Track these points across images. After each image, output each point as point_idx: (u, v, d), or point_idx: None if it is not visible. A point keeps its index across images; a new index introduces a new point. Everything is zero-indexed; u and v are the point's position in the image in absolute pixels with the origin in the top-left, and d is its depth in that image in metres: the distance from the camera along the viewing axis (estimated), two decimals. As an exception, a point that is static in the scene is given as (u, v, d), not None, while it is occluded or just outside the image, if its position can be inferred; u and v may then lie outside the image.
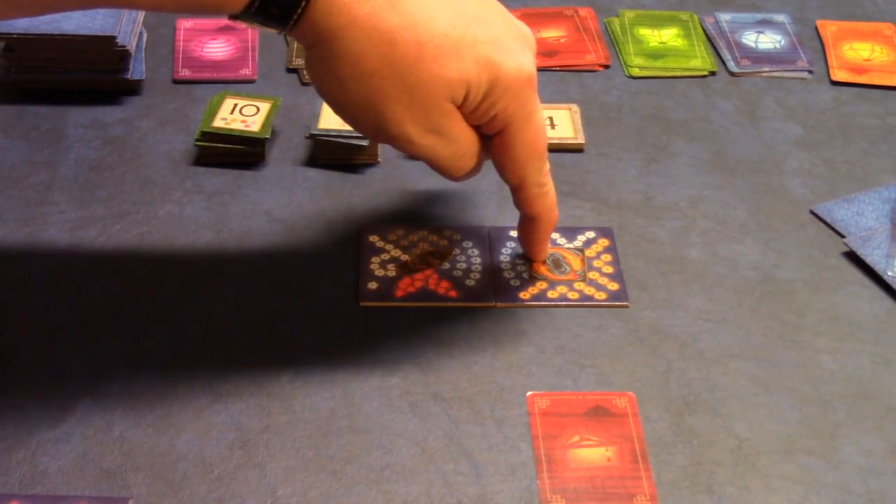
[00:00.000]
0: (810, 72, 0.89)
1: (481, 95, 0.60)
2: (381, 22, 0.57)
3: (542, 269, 0.70)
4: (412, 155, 0.63)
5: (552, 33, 0.92)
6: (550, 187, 0.66)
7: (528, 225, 0.68)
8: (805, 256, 0.72)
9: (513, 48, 0.61)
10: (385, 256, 0.70)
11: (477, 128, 0.63)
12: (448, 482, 0.58)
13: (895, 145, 0.82)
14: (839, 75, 0.88)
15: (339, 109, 0.62)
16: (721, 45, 0.91)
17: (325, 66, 0.59)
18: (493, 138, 0.63)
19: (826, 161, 0.80)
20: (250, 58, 0.87)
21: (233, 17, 0.58)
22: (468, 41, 0.59)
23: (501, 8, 0.63)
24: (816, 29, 0.93)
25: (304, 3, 0.56)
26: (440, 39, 0.58)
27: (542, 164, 0.64)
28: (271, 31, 0.59)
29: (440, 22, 0.58)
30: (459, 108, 0.61)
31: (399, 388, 0.63)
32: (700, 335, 0.66)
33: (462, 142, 0.62)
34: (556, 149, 0.80)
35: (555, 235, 0.72)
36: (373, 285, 0.68)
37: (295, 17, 0.57)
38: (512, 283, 0.69)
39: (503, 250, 0.71)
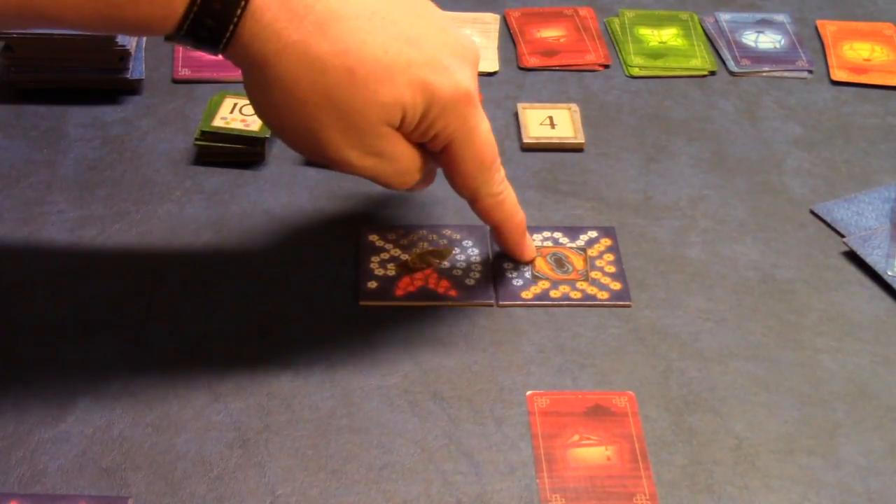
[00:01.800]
0: (810, 72, 0.89)
1: (418, 117, 0.60)
2: (311, 49, 0.57)
3: (545, 269, 0.70)
4: (356, 175, 0.63)
5: (552, 33, 0.92)
6: (506, 194, 0.66)
7: (496, 233, 0.69)
8: (805, 256, 0.72)
9: (449, 66, 0.60)
10: (385, 256, 0.70)
11: (421, 144, 0.63)
12: (448, 481, 0.58)
13: (895, 145, 0.82)
14: (839, 75, 0.88)
15: (278, 133, 0.62)
16: (721, 44, 0.91)
17: (260, 91, 0.59)
18: (440, 154, 0.63)
19: (826, 161, 0.80)
20: (250, 57, 0.87)
21: (166, 38, 0.57)
22: (401, 64, 0.58)
23: (440, 22, 0.62)
24: (816, 29, 0.93)
25: (232, 27, 0.56)
26: (372, 64, 0.58)
27: (492, 175, 0.64)
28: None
29: (372, 46, 0.58)
30: (399, 128, 0.61)
31: (399, 387, 0.63)
32: (700, 335, 0.66)
33: (403, 160, 0.62)
34: (556, 148, 0.80)
35: (557, 235, 0.72)
36: (372, 285, 0.68)
37: (224, 41, 0.56)
38: (514, 282, 0.69)
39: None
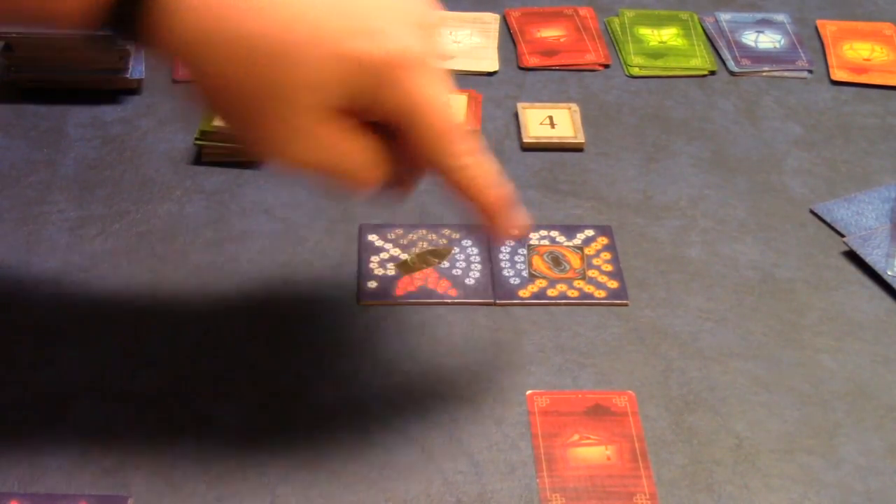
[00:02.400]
0: (810, 71, 0.89)
1: (356, 96, 0.53)
2: (238, 27, 0.51)
3: (542, 267, 0.70)
4: (312, 176, 0.56)
5: (552, 33, 0.92)
6: (475, 168, 0.57)
7: (481, 212, 0.58)
8: (805, 256, 0.72)
9: (384, 30, 0.53)
10: (384, 255, 0.70)
11: (384, 134, 0.56)
12: (448, 481, 0.58)
13: (895, 145, 0.82)
14: (839, 75, 0.88)
15: (231, 128, 0.56)
16: (721, 44, 0.91)
17: (201, 86, 0.54)
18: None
19: (826, 161, 0.80)
20: (250, 57, 0.87)
21: (82, 31, 0.53)
22: (331, 39, 0.52)
23: None
24: (816, 29, 0.94)
25: (147, 12, 0.51)
26: (297, 42, 0.52)
27: (451, 146, 0.56)
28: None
29: (302, 23, 0.52)
30: (348, 115, 0.54)
31: (399, 387, 0.63)
32: (700, 334, 0.66)
33: (356, 156, 0.55)
34: (556, 148, 0.80)
35: (554, 234, 0.72)
36: (372, 284, 0.68)
37: (142, 28, 0.51)
38: (511, 281, 0.69)
39: (502, 249, 0.71)
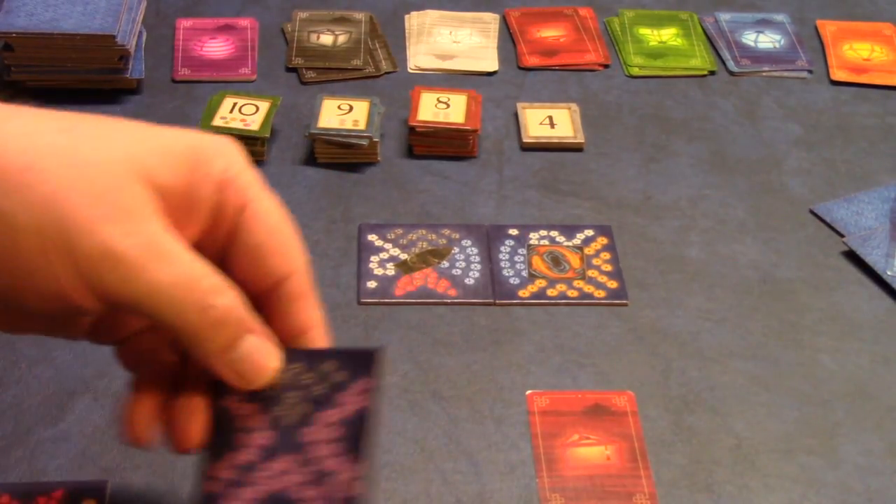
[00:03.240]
0: (810, 71, 0.89)
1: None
2: None
3: (542, 267, 0.70)
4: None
5: (552, 33, 0.92)
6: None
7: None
8: (805, 256, 0.72)
9: None
10: (384, 255, 0.70)
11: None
12: (447, 481, 0.58)
13: (895, 145, 0.82)
14: (839, 75, 0.88)
15: None
16: (721, 44, 0.91)
17: None
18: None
19: (826, 161, 0.80)
20: (250, 57, 0.87)
21: None
22: None
23: None
24: (816, 29, 0.93)
25: None
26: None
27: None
28: None
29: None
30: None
31: (398, 386, 0.62)
32: (699, 334, 0.66)
33: None
34: (555, 148, 0.80)
35: (554, 233, 0.72)
36: (372, 284, 0.68)
37: None
38: (511, 281, 0.69)
39: (502, 248, 0.71)
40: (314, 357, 0.47)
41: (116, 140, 0.43)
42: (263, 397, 0.46)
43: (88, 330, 0.48)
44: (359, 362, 0.46)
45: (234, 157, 0.46)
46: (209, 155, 0.45)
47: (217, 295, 0.43)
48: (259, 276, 0.46)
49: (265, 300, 0.47)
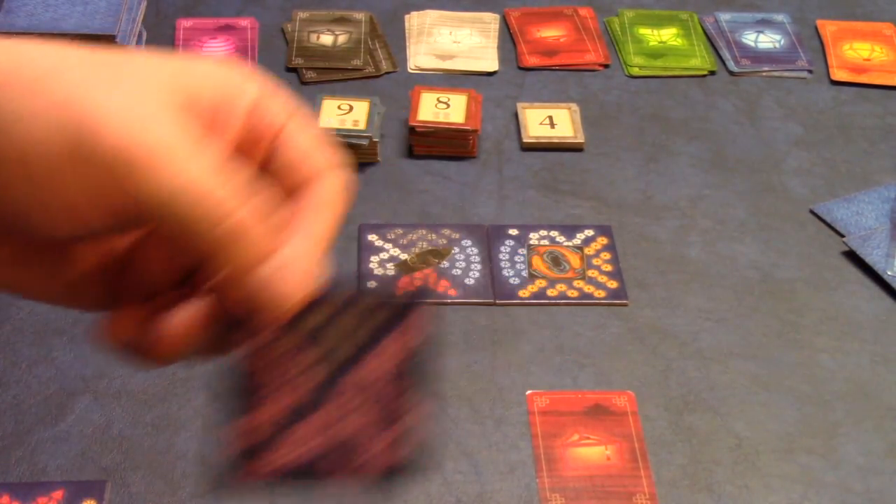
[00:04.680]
0: (810, 71, 0.89)
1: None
2: None
3: (542, 267, 0.70)
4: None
5: (552, 33, 0.92)
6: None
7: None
8: (805, 256, 0.72)
9: None
10: (384, 255, 0.70)
11: None
12: (447, 481, 0.58)
13: (895, 145, 0.82)
14: (839, 75, 0.88)
15: None
16: (721, 44, 0.91)
17: None
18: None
19: (826, 161, 0.80)
20: (250, 57, 0.87)
21: None
22: None
23: None
24: (816, 28, 0.93)
25: None
26: None
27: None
28: None
29: None
30: None
31: (398, 386, 0.62)
32: (699, 334, 0.66)
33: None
34: (555, 148, 0.80)
35: (554, 233, 0.72)
36: (372, 284, 0.68)
37: None
38: (511, 281, 0.69)
39: (502, 248, 0.71)
40: (353, 297, 0.42)
41: (148, 60, 0.42)
42: (303, 333, 0.41)
43: (98, 276, 0.43)
44: (402, 307, 0.44)
45: (263, 88, 0.43)
46: (242, 85, 0.43)
47: (236, 204, 0.39)
48: (303, 171, 0.43)
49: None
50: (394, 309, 0.43)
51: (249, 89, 0.43)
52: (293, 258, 0.41)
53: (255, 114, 0.42)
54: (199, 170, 0.39)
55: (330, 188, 0.43)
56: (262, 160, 0.43)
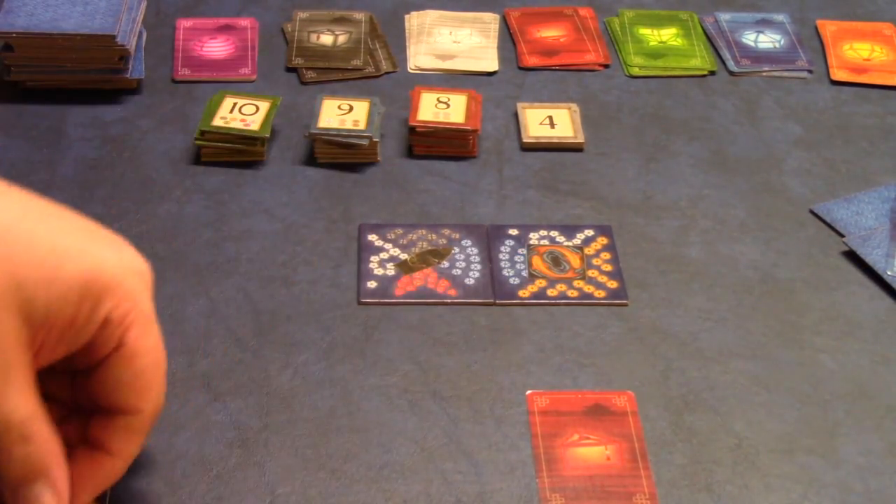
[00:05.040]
0: (810, 71, 0.89)
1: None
2: None
3: (542, 267, 0.70)
4: None
5: (552, 33, 0.92)
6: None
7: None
8: (805, 256, 0.72)
9: None
10: (384, 255, 0.70)
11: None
12: (447, 481, 0.58)
13: (895, 145, 0.82)
14: (839, 75, 0.88)
15: None
16: (721, 44, 0.91)
17: None
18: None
19: (826, 161, 0.80)
20: (250, 57, 0.87)
21: None
22: None
23: None
24: (816, 28, 0.93)
25: None
26: None
27: None
28: None
29: None
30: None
31: (398, 386, 0.63)
32: (699, 334, 0.66)
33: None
34: (555, 148, 0.80)
35: (554, 233, 0.72)
36: (372, 284, 0.68)
37: None
38: (511, 281, 0.69)
39: (502, 248, 0.71)
40: None
41: (15, 255, 0.45)
42: None
43: None
44: None
45: (125, 295, 0.48)
46: (99, 291, 0.47)
47: (23, 442, 0.46)
48: (111, 401, 0.49)
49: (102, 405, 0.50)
50: None
51: (108, 301, 0.47)
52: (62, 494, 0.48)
53: (107, 325, 0.47)
54: (9, 404, 0.45)
55: (145, 421, 0.50)
56: (101, 358, 0.48)
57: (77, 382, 0.51)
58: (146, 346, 0.49)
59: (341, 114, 0.78)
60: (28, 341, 0.46)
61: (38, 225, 0.47)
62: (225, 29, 0.90)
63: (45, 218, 0.48)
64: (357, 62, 0.87)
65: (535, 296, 0.68)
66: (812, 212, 0.75)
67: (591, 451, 0.59)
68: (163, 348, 0.50)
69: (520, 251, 0.71)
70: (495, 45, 0.90)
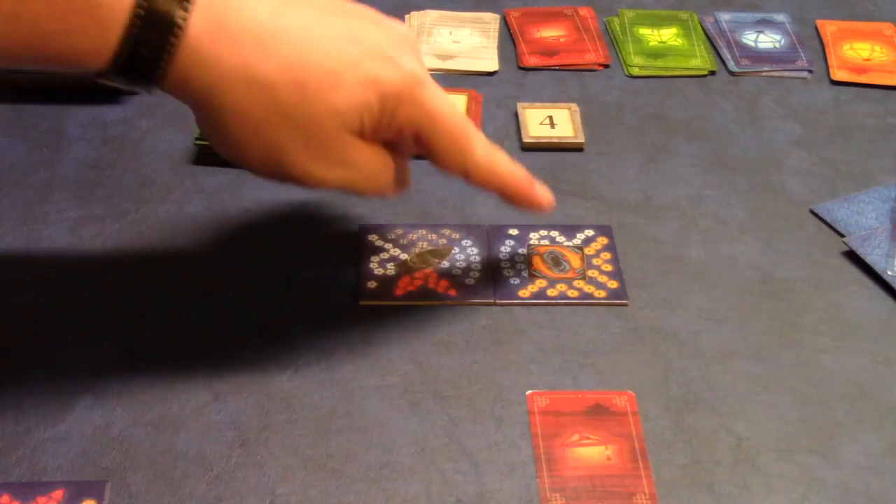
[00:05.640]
0: (810, 71, 0.89)
1: (376, 114, 0.58)
2: (255, 70, 0.55)
3: (542, 267, 0.70)
4: (327, 189, 0.61)
5: (552, 33, 0.92)
6: (495, 157, 0.63)
7: (504, 198, 0.65)
8: (805, 256, 0.72)
9: (392, 55, 0.58)
10: (384, 255, 0.70)
11: (389, 144, 0.61)
12: (447, 481, 0.58)
13: (895, 145, 0.82)
14: (839, 75, 0.88)
15: (241, 163, 0.59)
16: (721, 44, 0.91)
17: (213, 124, 0.57)
18: (414, 145, 0.61)
19: (826, 161, 0.80)
20: (250, 57, 0.87)
21: (96, 75, 0.54)
22: (346, 65, 0.57)
23: (372, 16, 0.60)
24: (816, 28, 0.94)
25: (166, 56, 0.53)
26: (319, 73, 0.56)
27: (471, 145, 0.62)
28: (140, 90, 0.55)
29: (314, 54, 0.56)
30: (361, 132, 0.59)
31: (398, 386, 0.63)
32: (700, 334, 0.66)
33: (371, 165, 0.60)
34: (556, 148, 0.80)
35: (554, 233, 0.72)
36: (372, 284, 0.68)
37: (160, 72, 0.54)
38: (511, 281, 0.69)
39: (502, 248, 0.71)
40: None
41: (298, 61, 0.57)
42: None
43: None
44: None
45: (412, 104, 0.59)
46: (393, 106, 0.58)
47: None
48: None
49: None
50: None
51: (400, 113, 0.59)
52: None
53: (405, 127, 0.60)
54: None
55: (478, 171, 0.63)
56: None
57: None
58: (436, 136, 0.60)
59: (341, 114, 0.78)
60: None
61: (321, 34, 0.57)
62: (225, 29, 0.89)
63: (327, 28, 0.58)
64: (357, 62, 0.87)
65: (535, 296, 0.68)
66: (812, 212, 0.75)
67: (591, 451, 0.59)
68: (456, 123, 0.61)
69: (520, 251, 0.71)
70: (495, 45, 0.90)
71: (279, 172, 0.59)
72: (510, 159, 0.64)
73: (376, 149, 0.60)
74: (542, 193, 0.66)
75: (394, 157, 0.62)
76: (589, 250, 0.71)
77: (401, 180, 0.63)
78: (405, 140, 0.61)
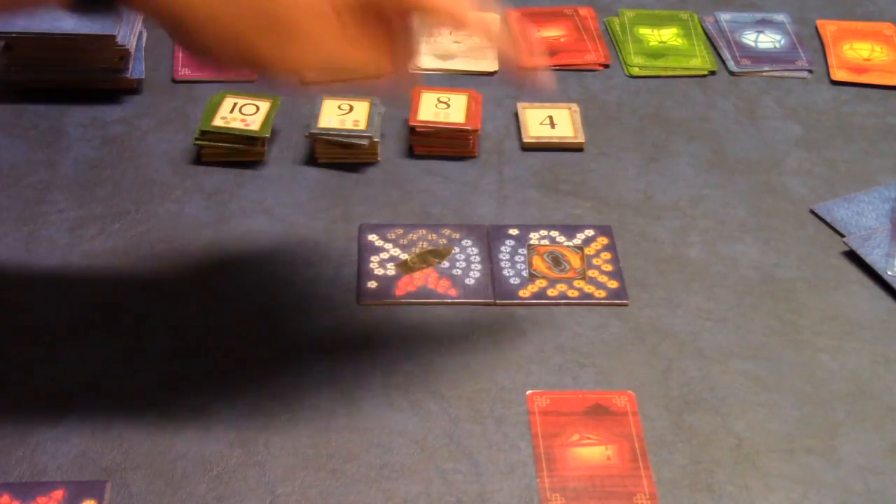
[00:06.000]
0: (810, 71, 0.89)
1: None
2: None
3: (542, 267, 0.70)
4: (312, 70, 0.59)
5: (552, 33, 0.92)
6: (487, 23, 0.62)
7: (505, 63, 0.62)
8: (805, 256, 0.72)
9: None
10: (384, 255, 0.70)
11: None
12: (448, 480, 0.58)
13: (895, 145, 0.82)
14: (839, 75, 0.88)
15: (228, 64, 0.58)
16: (721, 44, 0.91)
17: (187, 32, 0.55)
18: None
19: (826, 161, 0.80)
20: (250, 57, 0.87)
21: (68, 8, 0.54)
22: None
23: None
24: (816, 28, 0.94)
25: None
26: None
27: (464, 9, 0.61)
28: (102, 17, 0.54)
29: None
30: (335, 8, 0.56)
31: (399, 386, 0.62)
32: (700, 334, 0.66)
33: (359, 47, 0.58)
34: (556, 148, 0.80)
35: (554, 234, 0.72)
36: (372, 284, 0.68)
37: None
38: (511, 281, 0.69)
39: (502, 248, 0.71)
40: None
41: None
42: None
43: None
44: None
45: None
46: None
47: None
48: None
49: None
50: None
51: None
52: None
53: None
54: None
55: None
56: None
57: None
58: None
59: (341, 114, 0.78)
60: None
61: None
62: (225, 29, 0.89)
63: None
64: (357, 62, 0.87)
65: (535, 296, 0.68)
66: (812, 212, 0.75)
67: (591, 451, 0.59)
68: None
69: (520, 251, 0.71)
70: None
71: (270, 68, 0.57)
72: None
73: (367, 33, 0.58)
74: (544, 74, 0.65)
75: (383, 32, 0.59)
76: (589, 250, 0.71)
77: (398, 59, 0.60)
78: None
